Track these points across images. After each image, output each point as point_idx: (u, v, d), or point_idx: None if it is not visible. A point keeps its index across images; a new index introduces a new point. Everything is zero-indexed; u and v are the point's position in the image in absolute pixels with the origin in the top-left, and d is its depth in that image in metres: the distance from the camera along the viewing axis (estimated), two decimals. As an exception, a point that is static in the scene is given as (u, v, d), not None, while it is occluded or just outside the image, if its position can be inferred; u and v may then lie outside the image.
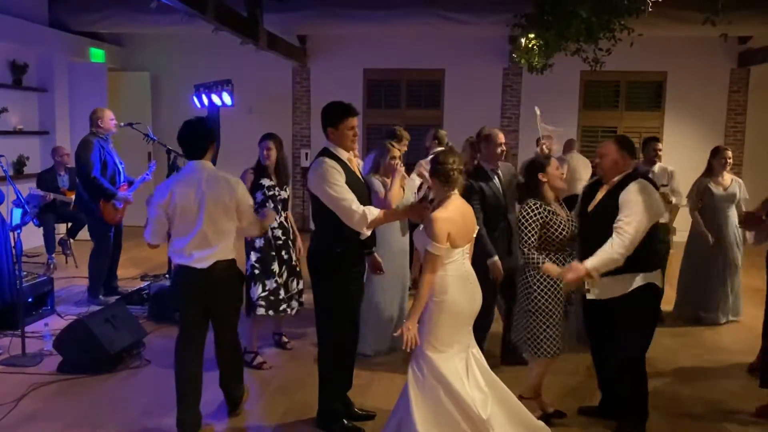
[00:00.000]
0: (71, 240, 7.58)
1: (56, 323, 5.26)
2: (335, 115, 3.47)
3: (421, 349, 3.22)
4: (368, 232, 3.42)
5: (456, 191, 3.26)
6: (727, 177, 5.74)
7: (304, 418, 3.82)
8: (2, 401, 3.96)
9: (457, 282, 3.20)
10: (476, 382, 3.25)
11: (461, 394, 3.13)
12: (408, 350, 3.13)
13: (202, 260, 3.45)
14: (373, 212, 3.32)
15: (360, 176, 3.60)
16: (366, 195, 3.59)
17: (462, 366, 3.24)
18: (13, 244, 5.16)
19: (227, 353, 3.75)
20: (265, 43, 8.26)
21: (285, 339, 5.09)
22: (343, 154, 3.49)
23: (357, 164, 3.66)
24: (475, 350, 3.37)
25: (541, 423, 3.45)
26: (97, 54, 9.89)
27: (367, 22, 8.84)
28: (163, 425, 3.76)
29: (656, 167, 5.75)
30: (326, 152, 3.48)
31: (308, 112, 10.66)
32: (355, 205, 3.30)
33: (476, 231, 3.40)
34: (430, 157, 4.49)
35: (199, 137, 3.51)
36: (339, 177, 3.35)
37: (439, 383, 3.16)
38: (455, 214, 3.18)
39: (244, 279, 3.96)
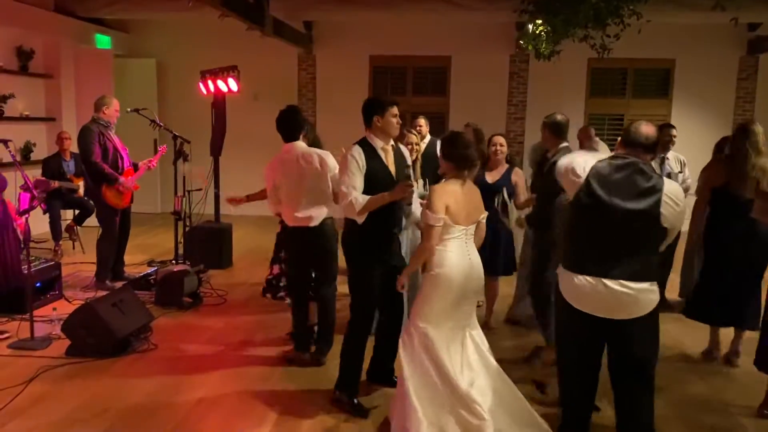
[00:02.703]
0: (78, 226, 7.62)
1: (64, 308, 5.30)
2: (381, 103, 3.70)
3: (413, 318, 3.33)
4: (361, 219, 3.60)
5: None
6: None
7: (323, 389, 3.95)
8: (11, 384, 4.00)
9: (456, 258, 3.27)
10: (468, 362, 3.30)
11: (446, 365, 3.22)
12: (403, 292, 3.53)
13: (310, 221, 4.19)
14: (359, 200, 3.53)
15: (389, 165, 3.72)
16: (391, 184, 3.67)
17: (456, 344, 3.30)
18: (20, 229, 5.20)
19: (322, 303, 4.38)
20: (271, 29, 8.23)
21: None
22: (378, 144, 3.70)
23: (392, 151, 3.80)
24: (475, 332, 3.41)
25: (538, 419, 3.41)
26: (103, 40, 9.87)
27: (373, 8, 8.79)
28: (169, 408, 3.79)
29: (670, 154, 5.74)
30: (361, 140, 3.73)
31: (314, 99, 10.64)
32: (352, 195, 3.52)
33: (483, 216, 3.43)
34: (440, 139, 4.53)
35: (294, 123, 4.28)
36: (355, 168, 3.58)
37: (426, 353, 3.25)
38: (458, 190, 3.28)
39: (337, 237, 4.48)
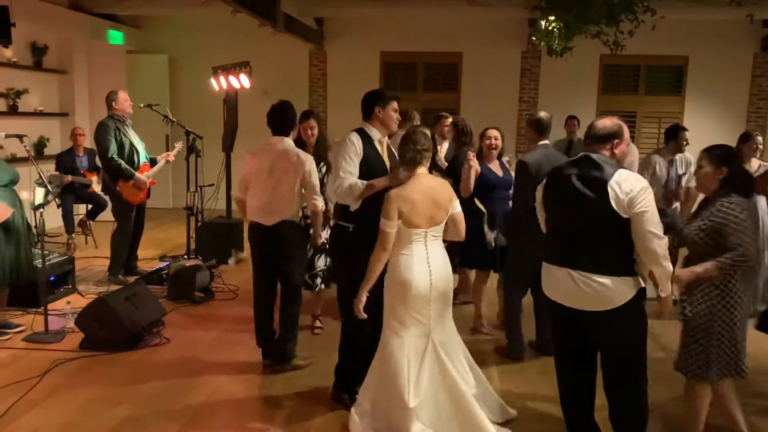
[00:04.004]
0: (90, 221, 7.68)
1: (77, 301, 5.35)
2: (383, 97, 3.67)
3: (384, 323, 3.33)
4: (356, 205, 3.53)
5: (424, 170, 3.31)
6: (755, 162, 5.59)
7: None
8: (26, 376, 4.05)
9: (414, 262, 3.20)
10: (424, 371, 3.24)
11: (400, 377, 3.19)
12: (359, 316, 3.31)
13: (269, 219, 4.05)
14: (359, 185, 3.49)
15: (385, 158, 3.67)
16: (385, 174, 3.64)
17: (417, 352, 3.24)
18: (34, 224, 5.24)
19: (284, 304, 4.21)
20: (283, 25, 8.24)
21: (318, 323, 5.09)
22: (375, 134, 3.66)
23: (387, 145, 3.74)
24: (444, 340, 3.32)
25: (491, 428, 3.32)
26: (116, 36, 9.93)
27: (384, 4, 8.80)
28: (181, 402, 3.82)
29: (678, 156, 5.73)
30: (359, 129, 3.68)
31: (324, 95, 10.64)
32: (350, 179, 3.47)
33: (454, 209, 3.31)
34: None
35: (285, 118, 4.19)
36: (353, 153, 3.53)
37: (388, 358, 3.26)
38: (414, 193, 3.20)
39: (306, 240, 4.35)
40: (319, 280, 4.93)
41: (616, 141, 2.91)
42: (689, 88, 10.16)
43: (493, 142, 4.83)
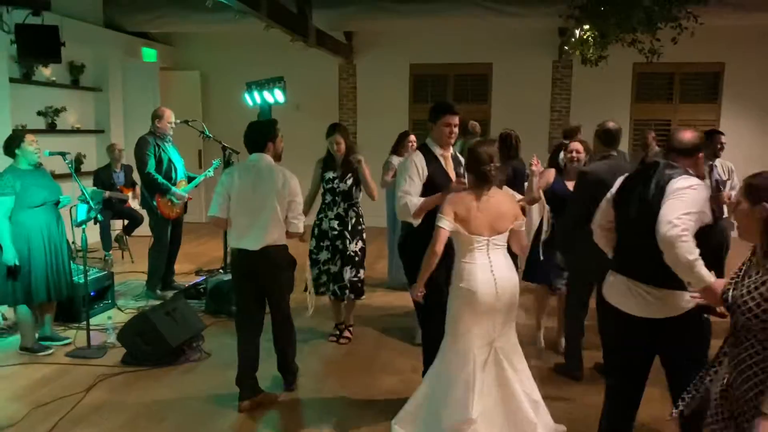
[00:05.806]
0: (127, 236, 7.76)
1: (116, 316, 5.39)
2: (434, 111, 3.75)
3: (447, 330, 3.32)
4: (417, 221, 3.59)
5: (492, 186, 3.28)
6: None
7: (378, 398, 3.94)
8: (71, 392, 4.08)
9: (478, 271, 3.17)
10: (484, 380, 3.21)
11: (462, 387, 3.17)
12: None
13: (254, 243, 3.77)
14: (414, 202, 3.55)
15: (450, 170, 3.72)
16: None
17: (481, 361, 3.20)
18: (72, 240, 5.30)
19: (278, 331, 4.06)
20: (314, 40, 8.29)
21: (347, 333, 5.14)
22: (436, 150, 3.72)
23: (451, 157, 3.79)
24: (506, 350, 3.29)
25: None
26: (149, 53, 10.10)
27: (414, 16, 8.79)
28: (225, 416, 3.81)
29: (717, 161, 5.63)
30: (422, 146, 3.82)
31: (354, 108, 10.66)
32: (406, 198, 3.56)
33: (518, 224, 3.30)
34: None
35: (259, 133, 3.95)
36: (414, 173, 3.61)
37: (450, 366, 3.25)
38: (472, 200, 3.20)
39: (294, 263, 4.11)
40: (347, 292, 4.94)
41: (700, 154, 2.89)
42: (725, 95, 9.96)
43: (575, 155, 4.53)
